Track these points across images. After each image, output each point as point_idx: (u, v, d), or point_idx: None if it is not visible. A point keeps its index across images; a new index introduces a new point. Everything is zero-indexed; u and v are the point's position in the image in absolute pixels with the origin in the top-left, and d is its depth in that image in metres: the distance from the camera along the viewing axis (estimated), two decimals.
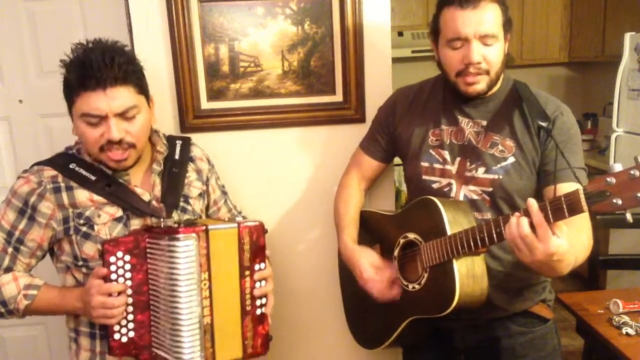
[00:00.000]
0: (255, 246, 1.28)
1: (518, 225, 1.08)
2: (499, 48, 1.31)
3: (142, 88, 1.26)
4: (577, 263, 1.19)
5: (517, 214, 1.11)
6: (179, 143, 1.45)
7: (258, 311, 1.30)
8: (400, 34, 4.06)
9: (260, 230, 1.28)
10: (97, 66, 1.16)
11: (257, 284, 1.29)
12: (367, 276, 1.42)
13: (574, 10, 4.11)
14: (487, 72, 1.31)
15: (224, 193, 1.57)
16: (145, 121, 1.28)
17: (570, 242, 1.19)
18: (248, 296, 1.28)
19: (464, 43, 1.29)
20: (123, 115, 1.21)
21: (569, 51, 4.21)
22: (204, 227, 1.20)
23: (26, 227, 1.26)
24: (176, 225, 1.21)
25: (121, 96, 1.19)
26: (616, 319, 1.59)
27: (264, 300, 1.30)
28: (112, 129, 1.20)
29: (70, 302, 1.26)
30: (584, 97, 4.53)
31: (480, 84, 1.32)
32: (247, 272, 1.28)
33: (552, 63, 4.32)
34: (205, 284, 1.20)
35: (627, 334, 1.53)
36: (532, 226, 1.07)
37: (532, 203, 1.07)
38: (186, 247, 1.18)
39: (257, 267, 1.29)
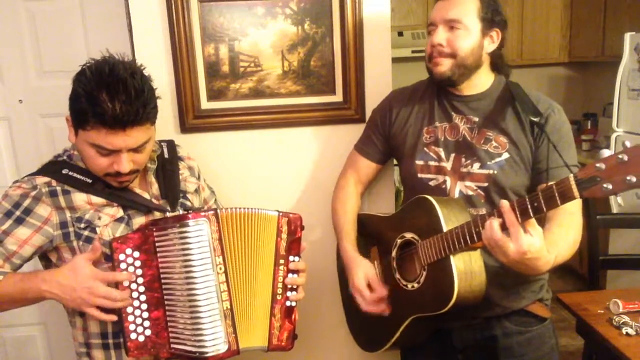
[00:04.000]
0: (292, 237, 1.31)
1: (490, 229, 1.12)
2: (465, 35, 1.35)
3: (155, 119, 1.24)
4: (558, 261, 1.21)
5: (493, 215, 1.14)
6: (164, 144, 1.45)
7: (288, 303, 1.32)
8: (400, 34, 4.06)
9: (298, 222, 1.32)
10: (121, 108, 1.13)
11: (290, 275, 1.32)
12: (357, 286, 1.44)
13: (574, 10, 4.11)
14: (452, 56, 1.36)
15: (213, 193, 1.58)
16: (152, 145, 1.28)
17: (554, 239, 1.22)
18: (280, 285, 1.31)
19: (434, 29, 1.38)
20: (135, 149, 1.21)
21: (569, 51, 4.21)
22: (213, 211, 1.22)
23: (9, 228, 1.20)
24: (186, 212, 1.22)
25: (138, 134, 1.18)
26: (616, 319, 1.58)
27: (294, 293, 1.33)
28: (123, 163, 1.19)
29: (34, 285, 1.16)
30: (584, 97, 4.53)
31: (443, 66, 1.37)
32: (282, 261, 1.31)
33: (552, 63, 4.32)
34: (220, 268, 1.21)
35: (627, 334, 1.53)
36: (506, 226, 1.11)
37: (504, 204, 1.11)
38: (198, 232, 1.19)
39: (291, 258, 1.32)
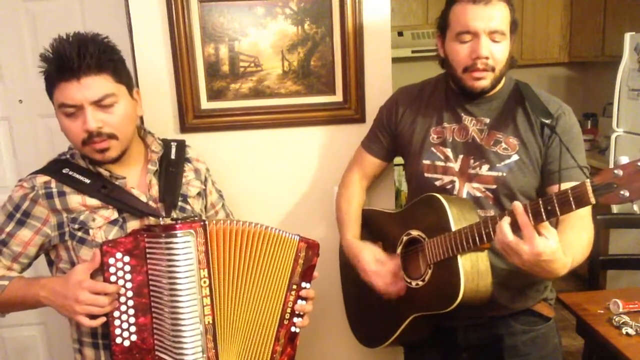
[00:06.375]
0: (308, 264, 1.31)
1: (502, 232, 1.11)
2: (505, 46, 1.32)
3: (120, 77, 1.25)
4: (574, 263, 1.20)
5: (505, 217, 1.13)
6: (174, 144, 1.44)
7: (293, 328, 1.32)
8: (400, 34, 4.06)
9: (315, 249, 1.32)
10: (70, 56, 1.17)
11: (300, 301, 1.32)
12: (370, 269, 1.43)
13: (574, 10, 4.11)
14: (493, 69, 1.32)
15: (221, 197, 1.57)
16: (126, 111, 1.25)
17: (569, 242, 1.20)
18: (289, 310, 1.30)
19: (473, 37, 1.30)
20: (99, 105, 1.20)
21: (569, 51, 4.21)
22: (202, 223, 1.19)
23: (12, 230, 1.25)
24: (174, 222, 1.20)
25: (95, 85, 1.19)
26: (616, 319, 1.59)
27: (300, 320, 1.33)
28: (87, 118, 1.19)
29: (34, 291, 1.20)
30: (584, 97, 4.53)
31: (485, 80, 1.32)
32: (295, 287, 1.31)
33: (552, 63, 4.32)
34: (205, 282, 1.19)
35: (627, 334, 1.53)
36: (517, 228, 1.09)
37: (517, 205, 1.10)
38: (184, 243, 1.16)
39: (304, 284, 1.32)
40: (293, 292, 1.30)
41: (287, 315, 1.30)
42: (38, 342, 2.19)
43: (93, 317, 1.16)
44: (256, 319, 1.28)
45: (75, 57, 1.16)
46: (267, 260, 1.27)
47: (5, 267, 1.28)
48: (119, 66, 1.25)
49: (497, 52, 1.30)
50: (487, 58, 1.30)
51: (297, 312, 1.32)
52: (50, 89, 1.23)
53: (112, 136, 1.23)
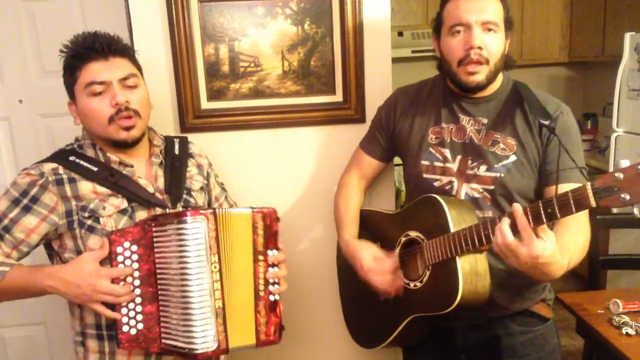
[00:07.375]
0: (268, 232, 1.31)
1: (502, 233, 1.11)
2: (499, 38, 1.32)
3: (137, 64, 1.35)
4: (570, 266, 1.20)
5: (504, 218, 1.13)
6: (176, 141, 1.47)
7: (271, 297, 1.32)
8: (400, 34, 4.06)
9: (273, 216, 1.32)
10: (98, 41, 1.27)
11: (271, 269, 1.31)
12: (368, 267, 1.43)
13: (574, 10, 4.11)
14: (487, 62, 1.31)
15: (224, 190, 1.59)
16: (145, 94, 1.33)
17: (565, 244, 1.20)
18: (262, 281, 1.30)
19: (465, 29, 1.30)
20: (125, 83, 1.27)
21: (569, 51, 4.21)
22: (212, 210, 1.22)
23: (17, 216, 1.23)
24: (184, 209, 1.23)
25: (121, 65, 1.28)
26: (616, 319, 1.59)
27: (276, 287, 1.32)
28: (117, 93, 1.25)
29: (37, 280, 1.20)
30: (584, 97, 4.53)
31: (480, 74, 1.32)
32: (261, 257, 1.31)
33: (552, 63, 4.32)
34: (215, 267, 1.21)
35: (627, 334, 1.53)
36: (518, 230, 1.09)
37: (517, 208, 1.10)
38: (195, 229, 1.19)
39: (270, 252, 1.32)
40: (261, 263, 1.30)
41: (262, 287, 1.30)
42: (38, 342, 2.19)
43: (110, 307, 1.20)
44: (244, 297, 1.28)
45: (103, 42, 1.27)
46: (237, 239, 1.28)
47: (4, 254, 1.25)
48: (134, 55, 1.36)
49: (490, 43, 1.30)
50: (480, 48, 1.29)
51: (270, 281, 1.32)
52: (74, 74, 1.27)
53: (137, 113, 1.29)
